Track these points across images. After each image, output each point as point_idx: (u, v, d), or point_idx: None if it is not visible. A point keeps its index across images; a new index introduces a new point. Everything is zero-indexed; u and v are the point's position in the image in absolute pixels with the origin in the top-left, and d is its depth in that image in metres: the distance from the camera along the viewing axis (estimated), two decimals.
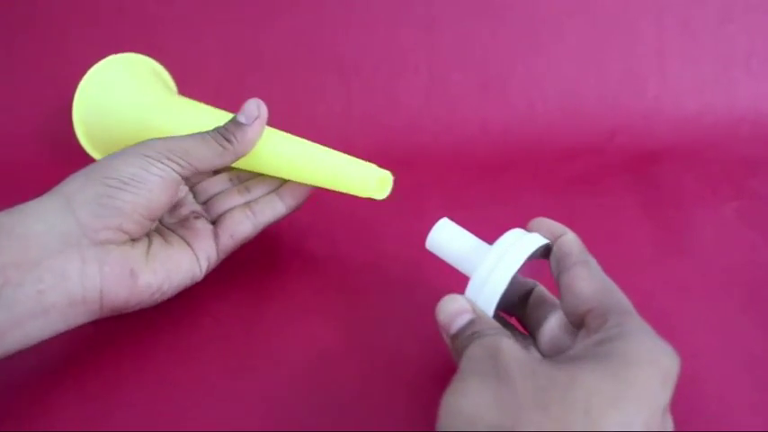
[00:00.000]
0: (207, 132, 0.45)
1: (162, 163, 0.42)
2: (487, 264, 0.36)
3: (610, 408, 0.28)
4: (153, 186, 0.42)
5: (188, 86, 0.66)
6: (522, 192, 0.62)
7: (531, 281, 0.42)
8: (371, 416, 0.40)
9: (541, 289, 0.42)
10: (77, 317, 0.40)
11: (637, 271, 0.52)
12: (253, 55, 0.69)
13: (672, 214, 0.59)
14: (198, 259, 0.46)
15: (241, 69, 0.69)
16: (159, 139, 0.44)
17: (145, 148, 0.43)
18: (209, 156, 0.44)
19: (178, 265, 0.45)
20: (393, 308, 0.48)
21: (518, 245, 0.37)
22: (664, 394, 0.30)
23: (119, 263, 0.41)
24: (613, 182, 0.64)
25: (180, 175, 0.43)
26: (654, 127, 0.70)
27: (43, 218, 0.39)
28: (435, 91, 0.70)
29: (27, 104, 0.68)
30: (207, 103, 0.56)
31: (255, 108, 0.47)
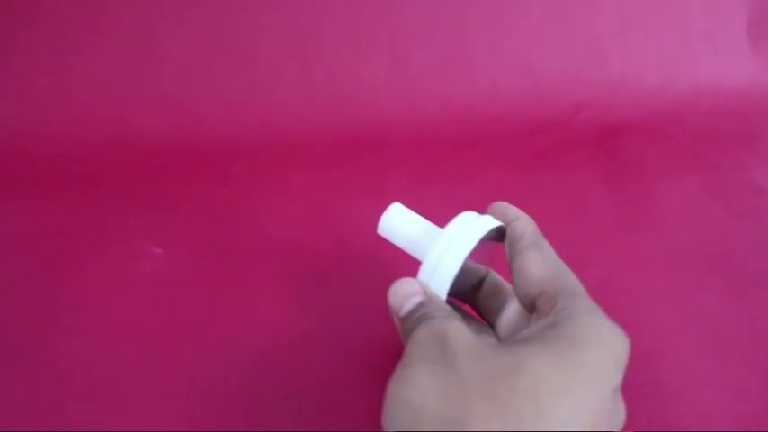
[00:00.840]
0: None
1: None
2: (439, 248, 0.35)
3: (559, 393, 0.27)
4: None
5: (147, 71, 0.64)
6: (487, 168, 0.62)
7: (483, 268, 0.41)
8: (330, 399, 0.40)
9: (495, 276, 0.41)
10: None
11: (600, 245, 0.52)
12: (211, 36, 0.68)
13: (635, 188, 0.59)
14: None
15: (199, 51, 0.68)
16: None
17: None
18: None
19: None
20: (354, 291, 0.47)
21: (470, 228, 0.36)
22: (615, 377, 0.29)
23: None
24: (577, 156, 0.63)
25: None
26: (617, 102, 0.70)
27: None
28: (398, 69, 0.69)
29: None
30: (162, 89, 0.54)
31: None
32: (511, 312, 0.37)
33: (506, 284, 0.40)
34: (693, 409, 0.40)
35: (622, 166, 0.62)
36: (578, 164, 0.63)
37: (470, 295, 0.40)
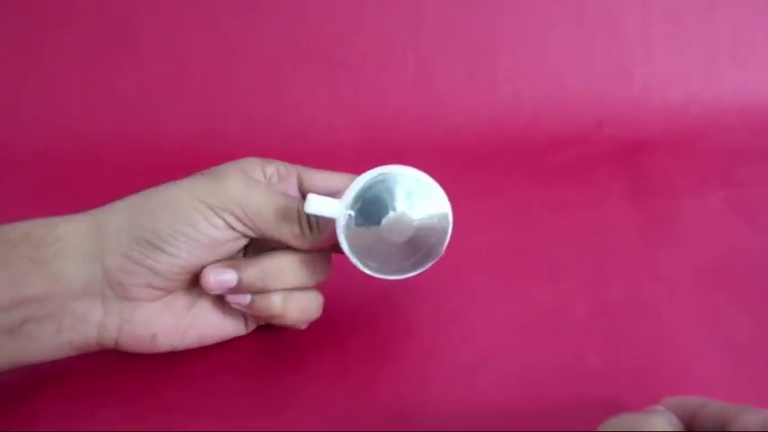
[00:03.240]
0: (294, 201, 0.38)
1: (221, 218, 0.37)
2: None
3: None
4: (199, 245, 0.37)
5: (172, 80, 0.65)
6: (509, 182, 0.61)
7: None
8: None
9: None
10: (89, 351, 0.38)
11: (623, 262, 0.51)
12: (237, 47, 0.68)
13: (659, 204, 0.58)
14: (246, 322, 0.42)
15: (226, 61, 0.68)
16: (234, 178, 0.38)
17: (209, 191, 0.37)
18: (284, 231, 0.38)
19: (219, 330, 0.41)
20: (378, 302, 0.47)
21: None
22: None
23: (141, 324, 0.38)
24: (601, 172, 0.63)
25: (240, 236, 0.38)
26: (641, 116, 0.69)
27: (73, 258, 0.36)
28: (422, 82, 0.69)
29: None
30: (189, 97, 0.54)
31: None
32: None
33: None
34: None
35: (646, 181, 0.61)
36: (601, 179, 0.62)
37: None
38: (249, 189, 0.37)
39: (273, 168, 0.42)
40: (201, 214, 0.36)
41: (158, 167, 0.63)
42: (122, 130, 0.65)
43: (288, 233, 0.38)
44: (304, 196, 0.43)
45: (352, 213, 0.36)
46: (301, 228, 0.38)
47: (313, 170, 0.43)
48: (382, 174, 0.37)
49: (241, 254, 0.41)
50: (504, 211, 0.56)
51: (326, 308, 0.42)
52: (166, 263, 0.36)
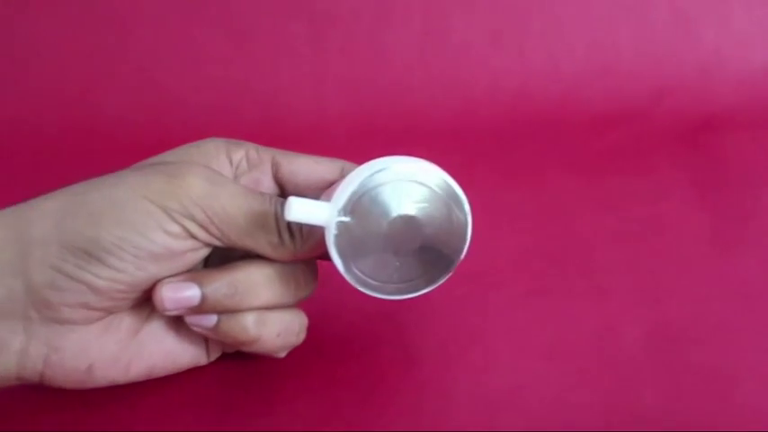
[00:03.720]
0: (271, 203, 0.38)
1: (180, 225, 0.36)
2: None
3: None
4: (151, 257, 0.36)
5: (112, 42, 0.65)
6: (543, 170, 0.61)
7: None
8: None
9: None
10: (6, 386, 0.38)
11: (688, 270, 0.51)
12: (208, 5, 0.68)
13: (733, 197, 0.59)
14: (209, 350, 0.42)
15: (182, 18, 0.68)
16: (195, 173, 0.37)
17: (164, 189, 0.36)
18: (260, 241, 0.38)
19: (174, 359, 0.41)
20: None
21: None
22: None
23: (74, 353, 0.37)
24: (659, 157, 0.63)
25: (202, 245, 0.38)
26: (711, 86, 0.69)
27: None
28: (431, 44, 0.69)
29: None
30: (134, 63, 0.54)
31: None
32: None
33: None
34: None
35: (717, 168, 0.62)
36: (661, 166, 0.62)
37: None
38: (215, 188, 0.37)
39: (242, 153, 0.42)
40: (155, 220, 0.36)
41: (95, 153, 0.64)
42: (49, 105, 0.66)
43: (264, 243, 0.38)
44: (281, 188, 0.43)
45: (347, 220, 0.36)
46: (280, 236, 0.38)
47: (292, 154, 0.42)
48: (383, 168, 0.37)
49: (201, 264, 0.41)
50: (537, 207, 0.57)
51: (311, 331, 0.42)
52: (108, 278, 0.36)
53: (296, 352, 0.42)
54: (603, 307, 0.48)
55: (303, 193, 0.42)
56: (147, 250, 0.36)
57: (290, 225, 0.38)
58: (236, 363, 0.43)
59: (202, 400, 0.42)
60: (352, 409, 0.41)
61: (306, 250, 0.38)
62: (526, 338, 0.45)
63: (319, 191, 0.42)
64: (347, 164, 0.42)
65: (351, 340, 0.45)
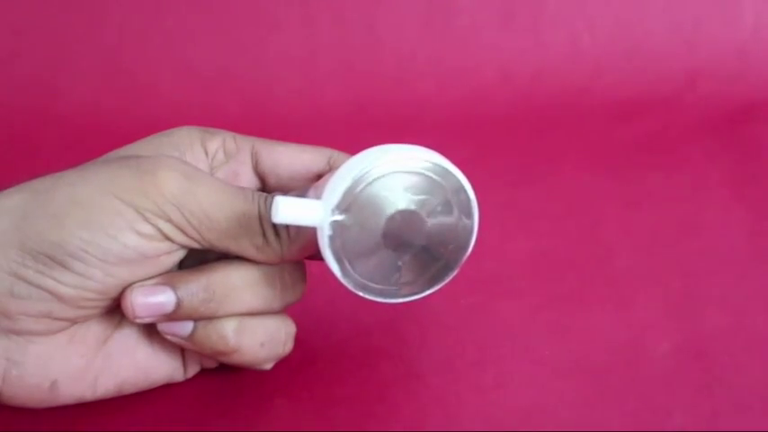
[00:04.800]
0: (254, 202, 0.38)
1: (153, 226, 0.36)
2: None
3: None
4: (121, 262, 0.36)
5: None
6: (563, 163, 0.62)
7: None
8: None
9: None
10: None
11: (725, 276, 0.51)
12: None
13: None
14: (185, 364, 0.42)
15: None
16: (169, 169, 0.37)
17: (135, 187, 0.36)
18: (243, 244, 0.38)
19: (146, 374, 0.41)
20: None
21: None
22: None
23: (36, 368, 0.37)
24: (692, 149, 0.63)
25: (178, 247, 0.38)
26: (749, 71, 0.69)
27: None
28: (436, 23, 0.69)
29: None
30: (101, 43, 0.55)
31: None
32: None
33: None
34: None
35: (756, 162, 0.62)
36: (694, 159, 0.62)
37: None
38: (191, 184, 0.37)
39: (218, 142, 0.42)
40: (125, 220, 0.36)
41: (61, 142, 0.64)
42: (10, 89, 0.66)
43: (247, 246, 0.38)
44: (262, 180, 0.43)
45: (342, 219, 0.37)
46: (265, 238, 0.38)
47: (273, 143, 0.43)
48: (378, 158, 0.37)
49: (176, 267, 0.40)
50: (555, 205, 0.57)
51: (302, 343, 0.42)
52: (73, 285, 0.36)
53: (285, 367, 0.42)
54: (628, 318, 0.48)
55: (287, 185, 0.42)
56: (117, 254, 0.36)
57: (275, 225, 0.38)
58: (217, 378, 0.43)
59: (178, 420, 0.42)
60: (347, 430, 0.42)
61: (294, 252, 0.39)
62: (541, 353, 0.46)
63: (305, 182, 0.42)
64: (335, 153, 0.43)
65: (346, 354, 0.46)
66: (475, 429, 0.42)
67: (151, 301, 0.37)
